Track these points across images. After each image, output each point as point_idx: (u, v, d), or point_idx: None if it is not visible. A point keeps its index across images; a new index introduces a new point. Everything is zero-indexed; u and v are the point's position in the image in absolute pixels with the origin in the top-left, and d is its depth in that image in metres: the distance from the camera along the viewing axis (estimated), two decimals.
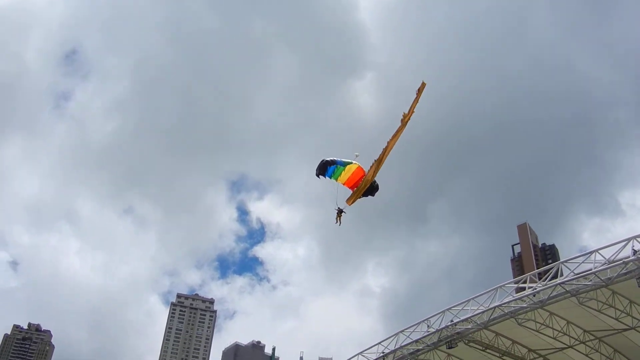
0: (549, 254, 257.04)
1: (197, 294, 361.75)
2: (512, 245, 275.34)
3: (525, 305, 44.37)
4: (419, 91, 28.13)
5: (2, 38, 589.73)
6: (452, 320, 47.06)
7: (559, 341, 48.11)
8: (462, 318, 46.65)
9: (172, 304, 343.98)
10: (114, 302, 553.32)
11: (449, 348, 48.46)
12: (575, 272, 41.49)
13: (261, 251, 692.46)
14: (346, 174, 29.25)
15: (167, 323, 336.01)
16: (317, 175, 30.35)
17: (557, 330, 46.94)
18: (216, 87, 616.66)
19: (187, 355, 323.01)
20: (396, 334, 51.16)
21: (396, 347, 50.66)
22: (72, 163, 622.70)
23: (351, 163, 29.36)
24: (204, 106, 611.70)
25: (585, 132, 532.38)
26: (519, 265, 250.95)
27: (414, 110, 27.79)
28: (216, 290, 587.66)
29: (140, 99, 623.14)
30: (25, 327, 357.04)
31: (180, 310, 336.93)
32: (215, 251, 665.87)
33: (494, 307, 44.65)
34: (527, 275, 45.98)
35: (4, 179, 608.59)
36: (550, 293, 42.84)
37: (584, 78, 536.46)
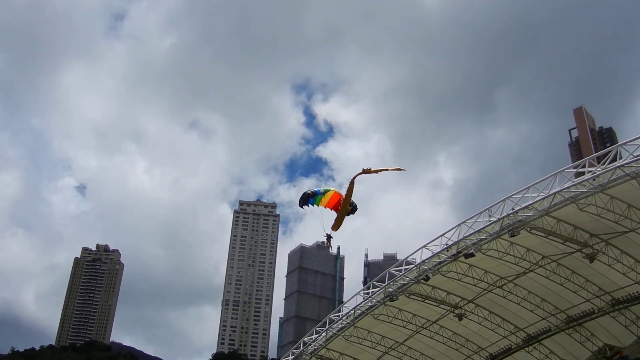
0: (606, 137, 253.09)
1: (259, 200, 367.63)
2: (569, 130, 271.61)
3: (585, 190, 44.30)
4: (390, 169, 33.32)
5: None
6: (513, 209, 47.12)
7: (621, 225, 47.81)
8: (522, 205, 46.69)
9: (235, 212, 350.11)
10: (185, 216, 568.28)
11: (512, 236, 48.66)
12: (635, 154, 41.16)
13: (329, 151, 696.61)
14: (326, 199, 32.82)
15: (231, 231, 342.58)
16: (301, 206, 33.99)
17: (619, 214, 46.59)
18: None
19: (254, 261, 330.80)
20: (458, 225, 51.53)
21: (459, 238, 51.14)
22: (133, 82, 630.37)
23: (329, 190, 33.06)
24: (259, 10, 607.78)
25: None
26: (577, 150, 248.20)
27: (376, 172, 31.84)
28: (284, 194, 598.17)
29: (195, 10, 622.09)
30: (94, 248, 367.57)
31: (244, 217, 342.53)
32: (283, 156, 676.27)
33: (554, 193, 44.57)
34: (586, 159, 45.38)
35: (67, 105, 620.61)
36: (610, 177, 42.54)
37: None
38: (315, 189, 33.48)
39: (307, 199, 33.04)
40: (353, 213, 33.51)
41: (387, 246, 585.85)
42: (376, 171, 31.71)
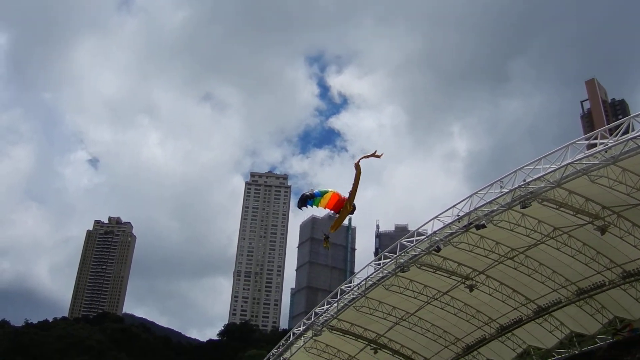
0: (618, 109, 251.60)
1: (270, 172, 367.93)
2: (581, 102, 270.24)
3: (597, 162, 43.98)
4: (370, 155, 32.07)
5: None
6: (524, 180, 46.87)
7: (633, 197, 47.45)
8: (534, 177, 46.42)
9: (247, 183, 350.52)
10: (198, 188, 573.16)
11: (523, 208, 48.43)
12: None
13: (342, 123, 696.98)
14: (324, 200, 32.72)
15: (243, 202, 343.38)
16: (299, 207, 33.98)
17: (631, 187, 46.29)
18: None
19: (265, 232, 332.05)
20: (470, 196, 51.44)
21: (470, 209, 51.04)
22: (145, 56, 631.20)
23: (327, 191, 33.01)
24: None
25: None
26: (589, 122, 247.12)
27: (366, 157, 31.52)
28: (296, 165, 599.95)
29: None
30: (106, 221, 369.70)
31: (256, 189, 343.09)
32: (296, 128, 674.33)
33: (566, 165, 44.31)
34: (598, 131, 45.03)
35: (80, 80, 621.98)
36: (622, 149, 42.24)
37: None
38: (315, 191, 33.51)
39: (306, 200, 32.98)
40: (352, 213, 33.73)
41: (399, 217, 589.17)
42: (365, 157, 31.63)
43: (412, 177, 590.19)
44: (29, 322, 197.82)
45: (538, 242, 54.54)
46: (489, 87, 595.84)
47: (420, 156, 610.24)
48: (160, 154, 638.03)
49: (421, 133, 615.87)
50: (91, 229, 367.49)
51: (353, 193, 32.13)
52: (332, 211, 33.56)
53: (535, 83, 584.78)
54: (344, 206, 32.67)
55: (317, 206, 33.33)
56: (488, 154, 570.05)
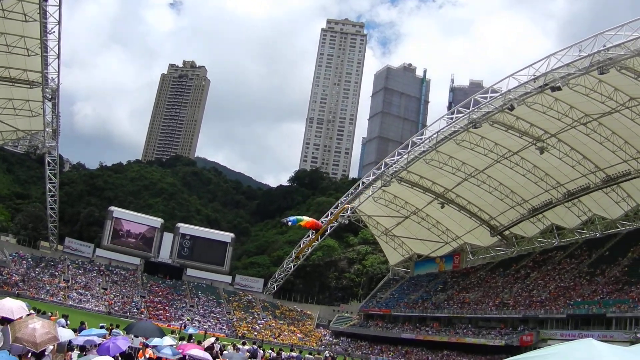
0: None
1: (346, 19, 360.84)
2: None
3: None
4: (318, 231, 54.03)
5: None
6: (604, 45, 46.24)
7: None
8: (614, 43, 45.70)
9: (323, 30, 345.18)
10: (283, 34, 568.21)
11: (601, 74, 48.23)
12: None
13: None
14: (303, 222, 45.10)
15: (318, 49, 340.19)
16: (283, 223, 49.23)
17: None
18: None
19: (339, 80, 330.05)
20: (547, 57, 51.23)
21: (547, 70, 51.11)
22: None
23: (302, 219, 44.84)
24: None
25: None
26: None
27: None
28: (383, 14, 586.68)
29: None
30: (181, 65, 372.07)
31: (332, 36, 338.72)
32: None
33: None
34: None
35: None
36: None
37: None
38: (291, 218, 44.55)
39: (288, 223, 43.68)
40: (322, 236, 49.19)
41: (479, 73, 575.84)
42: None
43: (502, 33, 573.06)
44: (104, 164, 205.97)
45: (613, 111, 54.56)
46: None
47: (514, 12, 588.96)
48: None
49: None
50: (166, 72, 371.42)
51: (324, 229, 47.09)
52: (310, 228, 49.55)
53: None
54: (318, 229, 48.22)
55: (298, 224, 44.91)
56: (587, 16, 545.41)
